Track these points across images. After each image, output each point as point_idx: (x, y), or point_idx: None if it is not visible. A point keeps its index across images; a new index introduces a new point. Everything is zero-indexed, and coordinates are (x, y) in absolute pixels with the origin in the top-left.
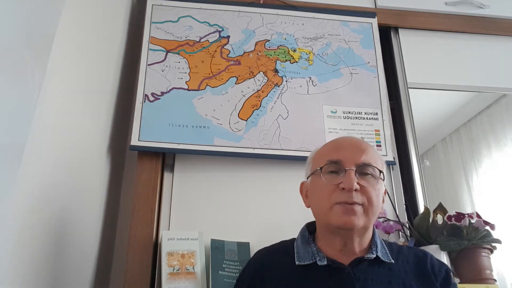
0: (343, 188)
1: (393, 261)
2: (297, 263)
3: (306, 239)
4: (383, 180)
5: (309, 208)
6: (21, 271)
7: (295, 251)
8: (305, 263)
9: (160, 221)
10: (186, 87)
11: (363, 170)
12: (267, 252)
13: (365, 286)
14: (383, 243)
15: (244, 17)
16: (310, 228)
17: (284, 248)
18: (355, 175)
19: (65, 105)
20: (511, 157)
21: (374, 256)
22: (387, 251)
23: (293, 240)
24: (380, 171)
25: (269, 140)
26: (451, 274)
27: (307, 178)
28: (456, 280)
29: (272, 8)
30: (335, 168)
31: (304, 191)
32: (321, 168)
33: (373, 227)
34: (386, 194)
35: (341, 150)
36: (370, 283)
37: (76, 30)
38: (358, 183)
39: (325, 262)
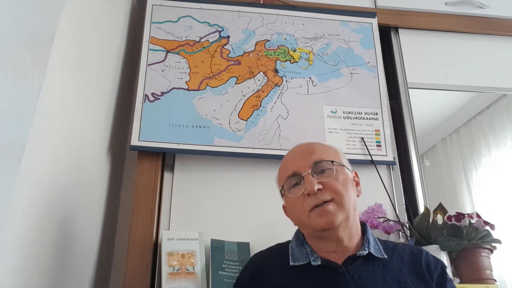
0: (309, 194)
1: (385, 256)
2: (291, 263)
3: (300, 240)
4: (343, 166)
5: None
6: (21, 271)
7: (289, 252)
8: (300, 263)
9: (160, 221)
10: (186, 87)
11: (318, 169)
12: (263, 256)
13: (360, 284)
14: (377, 240)
15: (244, 17)
16: None
17: (279, 251)
18: (313, 176)
19: (65, 105)
20: (511, 157)
21: (367, 252)
22: (380, 247)
23: (288, 242)
24: (332, 161)
25: (269, 140)
26: (447, 270)
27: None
28: (456, 280)
29: (272, 8)
30: (295, 180)
31: (288, 212)
32: (283, 187)
33: (367, 226)
34: (387, 194)
35: (291, 162)
36: (365, 281)
37: (76, 30)
38: (319, 182)
39: (319, 262)
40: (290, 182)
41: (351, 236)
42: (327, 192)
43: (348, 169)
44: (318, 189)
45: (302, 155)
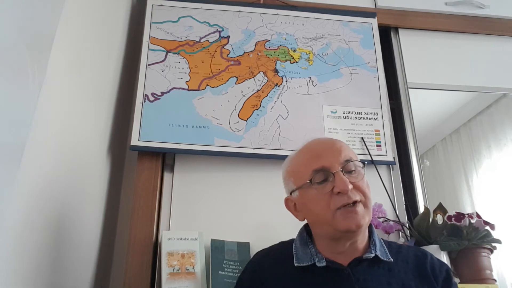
0: (339, 192)
1: (392, 259)
2: (295, 264)
3: (304, 240)
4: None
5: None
6: (21, 271)
7: (293, 252)
8: (304, 264)
9: (160, 221)
10: (186, 87)
11: (347, 168)
12: (265, 254)
13: (364, 287)
14: (382, 242)
15: (244, 17)
16: (308, 229)
17: (283, 250)
18: (344, 175)
19: (65, 105)
20: (511, 157)
21: (373, 255)
22: (386, 250)
23: (292, 241)
24: (362, 162)
25: (269, 140)
26: (452, 273)
27: (291, 194)
28: (456, 280)
29: (272, 8)
30: (323, 176)
31: (291, 205)
32: (310, 181)
33: (372, 227)
34: (387, 194)
35: (319, 156)
36: (370, 284)
37: (76, 30)
38: (350, 182)
39: (324, 263)
40: (316, 178)
41: (363, 239)
42: (357, 193)
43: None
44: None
45: (331, 151)
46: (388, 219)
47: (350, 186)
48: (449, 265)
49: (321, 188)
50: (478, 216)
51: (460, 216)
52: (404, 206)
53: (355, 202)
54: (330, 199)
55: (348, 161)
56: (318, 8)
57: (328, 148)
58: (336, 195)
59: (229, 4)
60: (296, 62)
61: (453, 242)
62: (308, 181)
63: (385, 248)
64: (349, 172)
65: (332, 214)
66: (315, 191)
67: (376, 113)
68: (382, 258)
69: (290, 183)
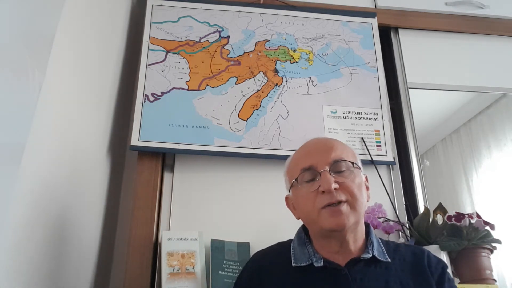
0: (323, 191)
1: (389, 259)
2: (293, 264)
3: (302, 240)
4: (360, 169)
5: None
6: (21, 271)
7: (291, 252)
8: (302, 264)
9: (160, 221)
10: (186, 87)
11: (336, 168)
12: (264, 255)
13: (362, 286)
14: (380, 241)
15: (244, 17)
16: (306, 229)
17: (281, 250)
18: (331, 174)
19: (65, 105)
20: (511, 157)
21: (370, 255)
22: (384, 250)
23: (290, 241)
24: (353, 163)
25: (269, 140)
26: (448, 270)
27: (289, 191)
28: (456, 280)
29: (272, 8)
30: (310, 175)
31: (291, 204)
32: (296, 179)
33: (370, 227)
34: (387, 194)
35: (309, 155)
36: (367, 284)
37: (76, 30)
38: (336, 181)
39: (322, 263)
40: (303, 176)
41: (356, 240)
42: (343, 193)
43: (362, 172)
44: (334, 188)
45: (321, 150)
46: (388, 219)
47: (335, 186)
48: (449, 265)
49: (308, 187)
50: (478, 216)
51: (460, 216)
52: (404, 206)
53: (340, 202)
54: (315, 198)
55: (336, 161)
56: (318, 8)
57: (319, 147)
58: (321, 194)
59: (229, 4)
60: (296, 62)
61: (453, 242)
62: (294, 180)
63: (383, 248)
64: (339, 172)
65: (318, 213)
66: (304, 190)
67: (376, 113)
68: (380, 258)
69: (286, 182)
